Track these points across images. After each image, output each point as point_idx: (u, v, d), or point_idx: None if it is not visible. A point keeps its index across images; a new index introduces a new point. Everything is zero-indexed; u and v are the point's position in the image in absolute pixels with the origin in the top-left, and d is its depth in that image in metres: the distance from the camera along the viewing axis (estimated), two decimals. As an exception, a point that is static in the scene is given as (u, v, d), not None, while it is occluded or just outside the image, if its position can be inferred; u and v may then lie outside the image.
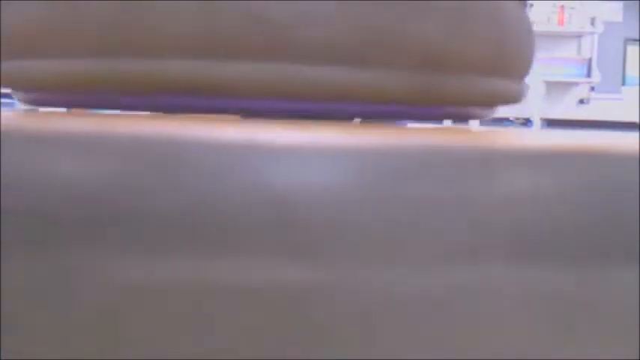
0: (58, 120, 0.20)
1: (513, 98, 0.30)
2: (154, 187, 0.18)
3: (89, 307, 0.18)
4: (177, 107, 0.26)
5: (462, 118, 0.29)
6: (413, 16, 0.24)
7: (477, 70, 0.28)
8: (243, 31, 0.23)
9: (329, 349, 0.19)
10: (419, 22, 0.24)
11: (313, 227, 0.19)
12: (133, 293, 0.18)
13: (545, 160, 0.20)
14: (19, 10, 0.27)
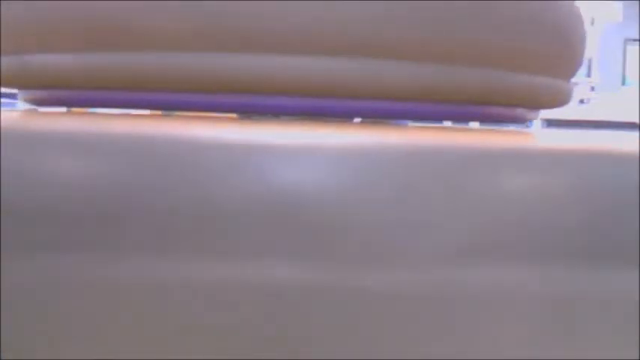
0: (58, 120, 0.20)
1: (564, 99, 0.30)
2: (154, 187, 0.18)
3: (89, 307, 0.18)
4: (171, 104, 0.26)
5: (509, 121, 0.29)
6: (473, 15, 0.24)
7: (540, 70, 0.27)
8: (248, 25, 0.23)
9: (328, 349, 0.19)
10: (481, 21, 0.24)
11: (314, 227, 0.19)
12: (132, 292, 0.18)
13: (545, 160, 0.20)
14: (14, 7, 0.27)
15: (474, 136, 0.20)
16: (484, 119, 0.28)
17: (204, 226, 0.18)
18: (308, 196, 0.19)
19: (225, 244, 0.18)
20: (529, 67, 0.27)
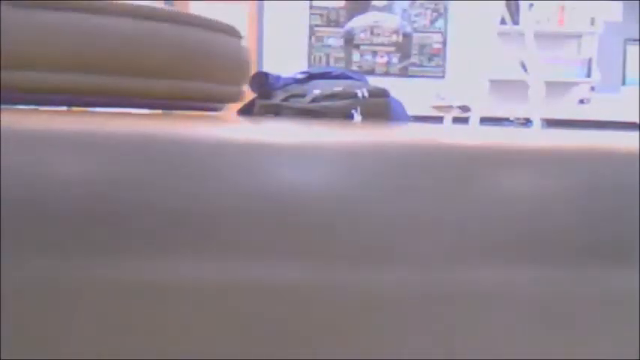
0: (58, 120, 0.20)
1: (236, 98, 0.45)
2: (154, 187, 0.18)
3: (88, 306, 0.18)
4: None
5: (198, 109, 0.44)
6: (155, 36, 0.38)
7: (207, 79, 0.41)
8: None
9: (328, 349, 0.19)
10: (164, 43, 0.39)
11: (314, 227, 0.19)
12: (132, 292, 0.18)
13: (545, 160, 0.20)
14: None
15: (474, 136, 0.20)
16: (183, 108, 0.43)
17: (203, 225, 0.18)
18: (308, 196, 0.19)
19: (225, 243, 0.18)
20: (206, 78, 0.41)
